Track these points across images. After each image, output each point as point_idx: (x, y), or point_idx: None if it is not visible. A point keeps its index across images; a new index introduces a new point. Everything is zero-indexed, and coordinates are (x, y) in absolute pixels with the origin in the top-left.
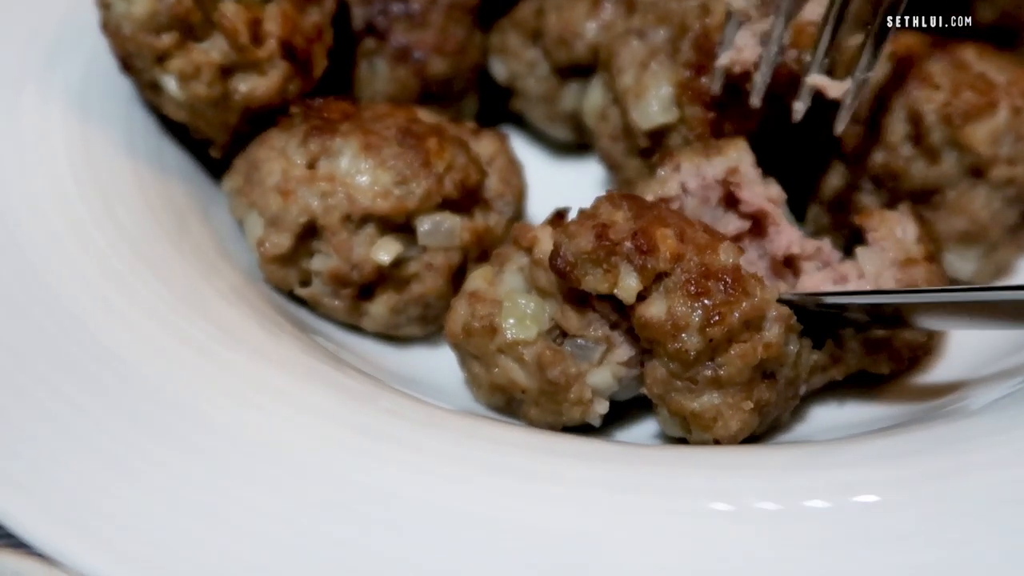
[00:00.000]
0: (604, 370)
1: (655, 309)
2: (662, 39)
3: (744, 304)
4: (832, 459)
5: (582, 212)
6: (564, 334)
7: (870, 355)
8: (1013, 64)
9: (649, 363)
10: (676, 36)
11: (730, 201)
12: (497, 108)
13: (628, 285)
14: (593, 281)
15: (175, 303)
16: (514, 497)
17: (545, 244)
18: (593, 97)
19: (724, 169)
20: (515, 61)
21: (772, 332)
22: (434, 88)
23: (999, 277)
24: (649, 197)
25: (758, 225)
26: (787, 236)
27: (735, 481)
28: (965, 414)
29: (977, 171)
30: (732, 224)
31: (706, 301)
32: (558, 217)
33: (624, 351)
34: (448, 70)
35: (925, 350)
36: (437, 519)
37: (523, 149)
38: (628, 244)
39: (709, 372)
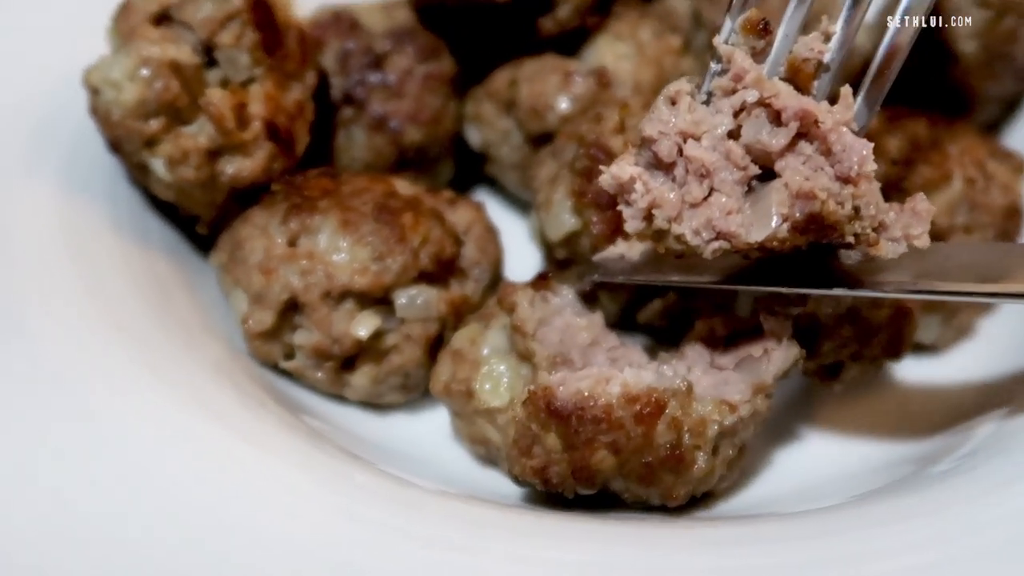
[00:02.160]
0: None
1: (616, 485)
2: (569, 154)
3: (686, 476)
4: (785, 534)
5: (515, 443)
6: None
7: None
8: (965, 133)
9: None
10: (577, 148)
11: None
12: (473, 171)
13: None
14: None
15: (156, 381)
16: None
17: (523, 310)
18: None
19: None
20: (489, 130)
21: (703, 462)
22: (410, 155)
23: (960, 339)
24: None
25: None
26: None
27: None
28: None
29: (936, 240)
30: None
31: (653, 489)
32: (540, 279)
33: None
34: (423, 139)
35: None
36: None
37: (499, 211)
38: (570, 481)
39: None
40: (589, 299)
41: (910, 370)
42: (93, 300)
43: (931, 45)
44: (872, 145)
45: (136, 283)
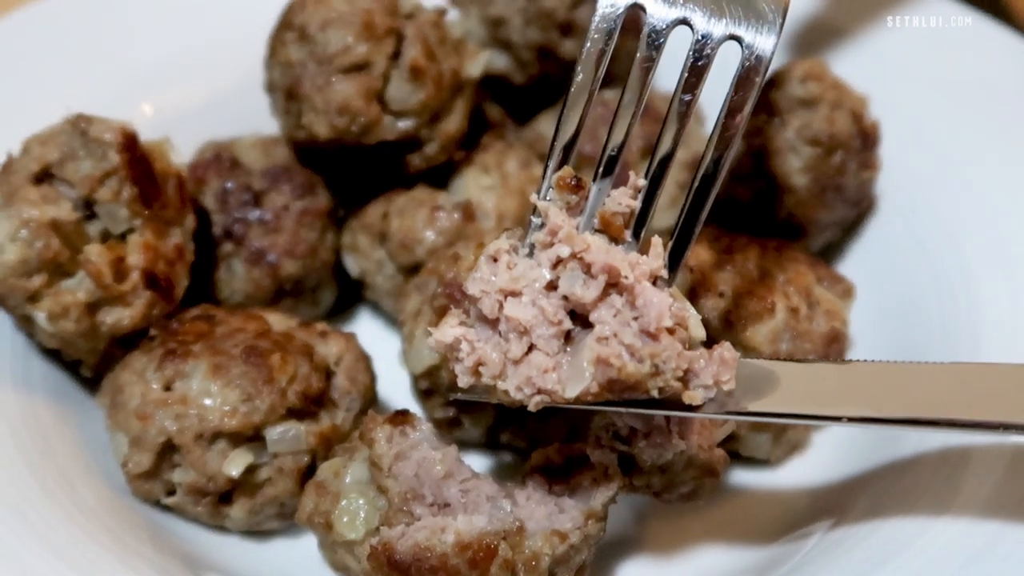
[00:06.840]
0: None
1: None
2: (432, 289)
3: None
4: None
5: None
6: None
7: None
8: (794, 260)
9: None
10: (437, 285)
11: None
12: (357, 293)
13: None
14: None
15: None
16: None
17: (380, 447)
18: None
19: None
20: (364, 259)
21: None
22: (288, 286)
23: (794, 453)
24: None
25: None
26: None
27: None
28: None
29: None
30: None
31: None
32: (400, 415)
33: None
34: (299, 271)
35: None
36: None
37: (381, 330)
38: None
39: None
40: (453, 424)
41: (747, 481)
42: None
43: (764, 179)
44: (671, 301)
45: (13, 433)
